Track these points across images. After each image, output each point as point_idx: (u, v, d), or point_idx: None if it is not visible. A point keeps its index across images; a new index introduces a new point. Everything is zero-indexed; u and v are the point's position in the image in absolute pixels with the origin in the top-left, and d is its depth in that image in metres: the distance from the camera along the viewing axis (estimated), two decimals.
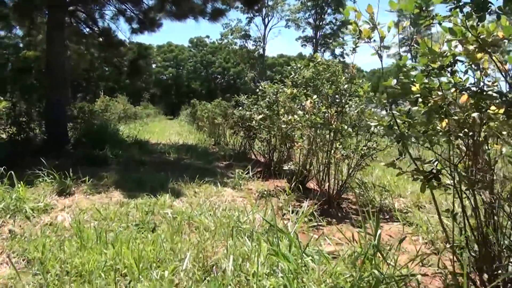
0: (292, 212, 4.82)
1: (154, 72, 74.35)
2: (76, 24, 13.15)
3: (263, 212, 4.64)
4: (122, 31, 18.59)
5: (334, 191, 5.66)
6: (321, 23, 48.25)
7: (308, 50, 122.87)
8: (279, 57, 74.39)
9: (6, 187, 5.41)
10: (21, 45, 41.20)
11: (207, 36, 77.96)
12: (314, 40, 48.48)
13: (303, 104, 5.23)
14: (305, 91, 5.78)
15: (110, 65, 15.24)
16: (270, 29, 50.73)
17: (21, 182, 5.39)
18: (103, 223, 4.52)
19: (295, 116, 5.50)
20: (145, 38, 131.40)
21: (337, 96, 5.53)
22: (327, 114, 5.26)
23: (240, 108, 8.85)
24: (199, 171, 8.47)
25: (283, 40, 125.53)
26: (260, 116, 7.61)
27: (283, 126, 6.31)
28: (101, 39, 13.82)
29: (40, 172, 6.32)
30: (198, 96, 45.34)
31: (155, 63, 75.20)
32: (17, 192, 5.13)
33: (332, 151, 5.51)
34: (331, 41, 47.70)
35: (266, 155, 8.75)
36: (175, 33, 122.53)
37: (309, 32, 49.63)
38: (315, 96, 5.11)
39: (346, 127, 5.39)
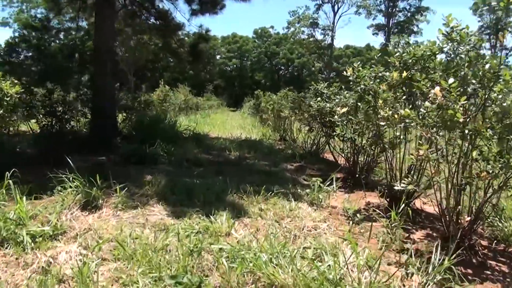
0: (407, 253, 3.10)
1: (218, 63, 73.91)
2: (130, 6, 11.86)
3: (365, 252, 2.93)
4: (181, 12, 17.05)
5: (467, 224, 3.80)
6: (393, 10, 44.89)
7: (378, 40, 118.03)
8: (345, 48, 71.37)
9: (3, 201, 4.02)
10: (86, 36, 41.79)
11: (272, 27, 76.22)
12: (386, 28, 45.20)
13: (432, 92, 3.43)
14: (422, 75, 3.95)
15: (169, 52, 13.84)
16: (340, 16, 47.92)
17: (23, 195, 3.96)
18: (123, 269, 2.98)
19: (407, 111, 3.70)
20: (209, 25, 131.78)
21: (474, 81, 3.67)
22: (462, 109, 3.42)
23: (318, 99, 7.09)
24: (265, 176, 6.87)
25: (351, 30, 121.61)
26: (344, 110, 5.84)
27: (381, 123, 4.52)
28: (158, 23, 12.47)
29: (63, 175, 4.84)
30: (262, 87, 43.65)
31: (219, 54, 74.73)
32: (17, 210, 3.70)
33: (468, 165, 3.66)
34: (406, 29, 44.09)
35: (349, 158, 6.96)
36: (240, 23, 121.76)
37: (381, 19, 46.50)
38: (451, 80, 3.28)
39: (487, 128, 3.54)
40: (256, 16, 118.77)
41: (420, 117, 3.68)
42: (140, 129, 9.78)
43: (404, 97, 4.72)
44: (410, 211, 4.46)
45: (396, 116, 4.01)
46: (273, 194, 5.38)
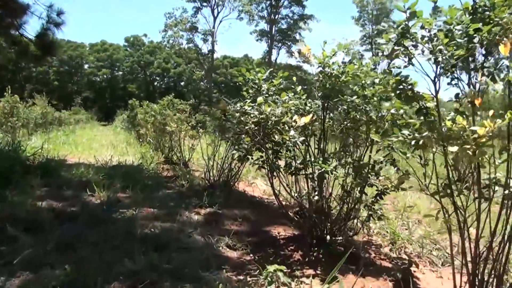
0: None
1: (86, 73, 67.62)
2: None
3: None
4: None
5: None
6: (276, 17, 43.64)
7: (260, 48, 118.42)
8: (223, 58, 69.58)
9: None
10: None
11: (145, 35, 71.88)
12: (269, 35, 43.70)
13: None
14: None
15: (8, 43, 9.91)
16: (221, 21, 45.39)
17: None
18: None
19: None
20: (75, 37, 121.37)
21: None
22: None
23: (259, 100, 4.05)
24: (156, 251, 3.77)
25: (231, 38, 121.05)
26: (306, 120, 3.10)
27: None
28: None
29: None
30: (136, 99, 39.41)
31: (87, 63, 68.34)
32: None
33: None
34: (288, 37, 43.00)
35: (307, 205, 4.10)
36: (109, 31, 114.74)
37: (263, 26, 44.95)
38: None
39: None
40: (127, 24, 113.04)
41: None
42: None
43: None
44: None
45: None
46: None
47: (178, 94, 54.75)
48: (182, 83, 66.71)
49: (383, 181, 3.60)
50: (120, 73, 69.21)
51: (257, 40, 45.01)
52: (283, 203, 4.95)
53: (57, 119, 26.40)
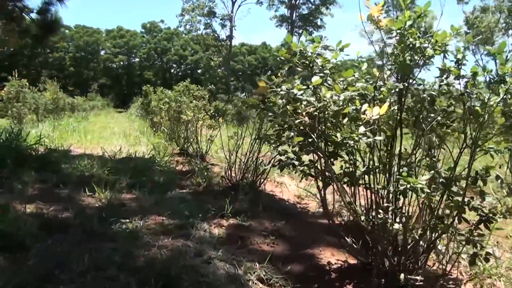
0: None
1: (102, 59, 66.89)
2: None
3: None
4: None
5: None
6: (297, 2, 42.04)
7: (278, 36, 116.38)
8: (240, 45, 68.09)
9: None
10: None
11: (162, 21, 70.75)
12: (289, 20, 42.16)
13: None
14: None
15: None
16: (239, 6, 44.02)
17: None
18: None
19: None
20: (92, 22, 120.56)
21: None
22: None
23: (316, 79, 2.92)
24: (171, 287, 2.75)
25: (250, 24, 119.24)
26: (383, 109, 2.03)
27: None
28: None
29: None
30: (152, 86, 38.25)
31: (104, 50, 67.59)
32: None
33: None
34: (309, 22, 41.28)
35: (364, 221, 3.01)
36: (126, 17, 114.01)
37: (283, 11, 43.37)
38: None
39: None
40: (144, 10, 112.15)
41: None
42: None
43: None
44: None
45: None
46: None
47: (195, 81, 53.59)
48: (199, 71, 65.53)
49: (490, 201, 2.51)
50: (137, 59, 68.43)
51: (277, 26, 43.48)
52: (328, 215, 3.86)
53: (69, 105, 25.61)
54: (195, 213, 4.26)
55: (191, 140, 9.31)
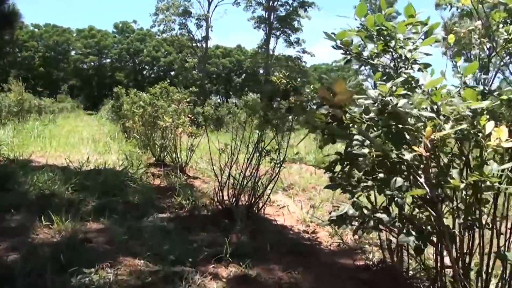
0: None
1: (73, 59, 64.67)
2: None
3: None
4: None
5: None
6: (275, 4, 41.10)
7: (253, 40, 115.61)
8: (215, 48, 66.81)
9: None
10: None
11: (134, 21, 68.98)
12: (267, 22, 41.02)
13: None
14: None
15: None
16: (216, 6, 42.81)
17: None
18: None
19: None
20: (62, 21, 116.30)
21: None
22: None
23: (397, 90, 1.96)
24: None
25: (225, 26, 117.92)
26: None
27: None
28: None
29: None
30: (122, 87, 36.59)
31: (74, 50, 65.43)
32: None
33: None
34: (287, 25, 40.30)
35: None
36: (97, 16, 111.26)
37: (261, 13, 42.34)
38: None
39: None
40: (116, 9, 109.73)
41: None
42: None
43: None
44: None
45: None
46: None
47: (168, 84, 51.93)
48: (173, 73, 64.01)
49: None
50: (108, 60, 66.55)
51: (254, 28, 42.30)
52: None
53: (36, 107, 24.10)
54: (182, 254, 3.28)
55: (169, 149, 8.34)
